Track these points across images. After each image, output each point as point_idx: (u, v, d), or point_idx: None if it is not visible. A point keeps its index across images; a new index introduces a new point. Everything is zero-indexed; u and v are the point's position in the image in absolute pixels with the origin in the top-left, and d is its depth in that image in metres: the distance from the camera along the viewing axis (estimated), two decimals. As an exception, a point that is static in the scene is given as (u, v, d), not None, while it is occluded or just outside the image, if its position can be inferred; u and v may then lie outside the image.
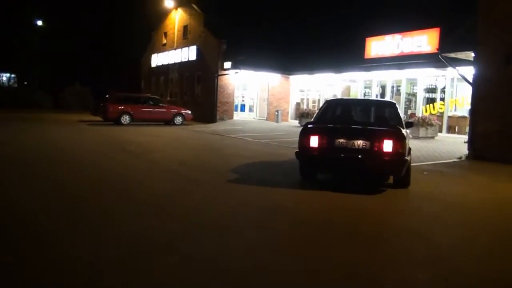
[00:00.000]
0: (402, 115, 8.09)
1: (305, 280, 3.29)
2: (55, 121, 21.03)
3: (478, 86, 10.84)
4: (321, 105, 21.91)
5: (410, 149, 6.78)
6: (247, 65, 22.23)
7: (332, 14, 22.99)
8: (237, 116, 24.19)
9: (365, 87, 20.58)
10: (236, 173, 7.90)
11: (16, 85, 44.62)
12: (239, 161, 9.45)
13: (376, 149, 6.20)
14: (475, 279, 3.49)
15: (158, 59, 30.89)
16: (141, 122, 19.98)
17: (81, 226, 4.40)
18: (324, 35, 22.24)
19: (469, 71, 11.85)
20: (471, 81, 11.26)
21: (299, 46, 23.23)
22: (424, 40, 16.85)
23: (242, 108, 25.32)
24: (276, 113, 23.54)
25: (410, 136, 14.92)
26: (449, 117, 16.95)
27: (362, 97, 19.83)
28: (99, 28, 40.44)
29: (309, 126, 6.89)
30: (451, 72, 15.48)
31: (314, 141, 6.46)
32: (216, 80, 23.01)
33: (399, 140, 6.17)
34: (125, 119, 19.53)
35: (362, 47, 19.16)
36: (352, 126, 6.85)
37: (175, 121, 20.80)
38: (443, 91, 17.03)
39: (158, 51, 30.97)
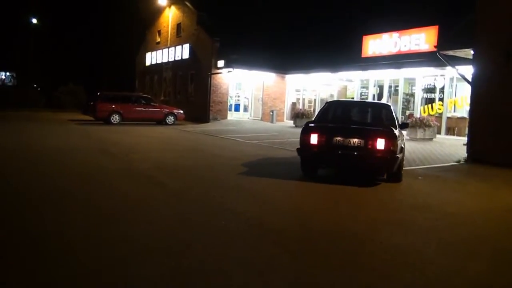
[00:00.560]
0: (399, 116, 8.51)
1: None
2: (43, 120, 20.50)
3: (478, 85, 10.27)
4: (317, 105, 21.83)
5: (402, 148, 7.46)
6: (241, 64, 21.60)
7: (329, 12, 22.40)
8: (231, 116, 23.62)
9: (362, 87, 19.92)
10: (216, 178, 7.33)
11: (10, 84, 44.12)
12: (225, 162, 8.90)
13: (370, 146, 6.76)
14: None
15: (152, 58, 30.41)
16: (132, 121, 19.58)
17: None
18: (321, 33, 21.70)
19: (469, 71, 11.25)
20: (470, 80, 10.69)
21: (295, 45, 22.60)
22: (422, 38, 16.28)
23: (237, 107, 24.76)
24: (271, 113, 22.93)
25: (408, 137, 14.65)
26: (448, 118, 16.26)
27: (359, 98, 19.36)
28: (94, 27, 39.88)
29: (309, 125, 7.50)
30: (450, 71, 14.86)
31: (314, 139, 7.03)
32: (209, 79, 22.45)
33: (391, 139, 6.74)
34: (115, 118, 19.18)
35: (359, 46, 18.61)
36: (349, 126, 7.47)
37: (167, 121, 20.38)
38: (442, 91, 16.37)
39: (152, 49, 30.43)
